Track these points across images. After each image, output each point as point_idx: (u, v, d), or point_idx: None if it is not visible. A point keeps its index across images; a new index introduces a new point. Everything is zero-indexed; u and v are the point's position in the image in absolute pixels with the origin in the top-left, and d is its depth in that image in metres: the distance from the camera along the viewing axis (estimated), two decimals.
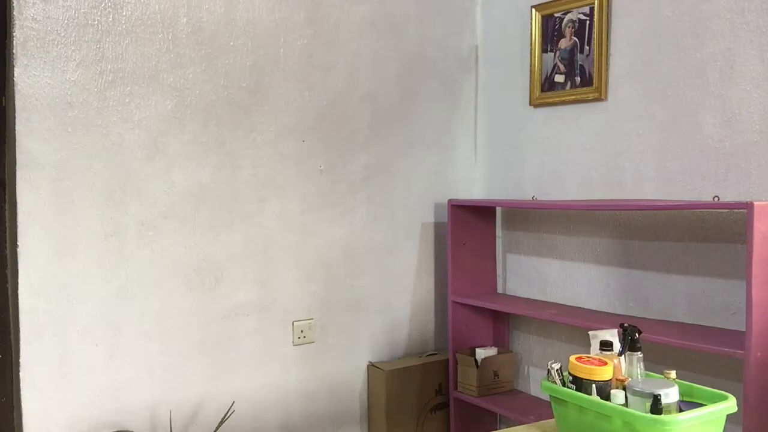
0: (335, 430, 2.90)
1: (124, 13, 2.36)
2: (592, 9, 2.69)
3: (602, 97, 2.68)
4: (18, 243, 2.21)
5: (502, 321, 3.14)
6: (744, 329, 2.04)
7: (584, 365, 1.64)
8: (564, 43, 2.82)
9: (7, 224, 2.23)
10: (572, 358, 1.68)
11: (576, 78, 2.78)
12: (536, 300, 2.97)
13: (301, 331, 2.78)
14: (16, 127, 2.19)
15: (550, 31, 2.88)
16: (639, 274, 2.58)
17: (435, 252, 3.17)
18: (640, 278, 2.57)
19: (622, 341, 1.71)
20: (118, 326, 2.39)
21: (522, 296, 3.06)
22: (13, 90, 2.19)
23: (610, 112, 2.67)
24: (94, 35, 2.31)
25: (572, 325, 2.61)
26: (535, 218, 3.01)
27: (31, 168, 2.22)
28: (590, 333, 1.78)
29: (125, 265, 2.40)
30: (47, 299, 2.26)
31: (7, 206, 2.23)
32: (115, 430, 2.39)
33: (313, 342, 2.82)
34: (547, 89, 2.91)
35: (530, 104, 2.99)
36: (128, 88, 2.38)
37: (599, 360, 1.67)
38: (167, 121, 2.46)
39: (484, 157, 3.25)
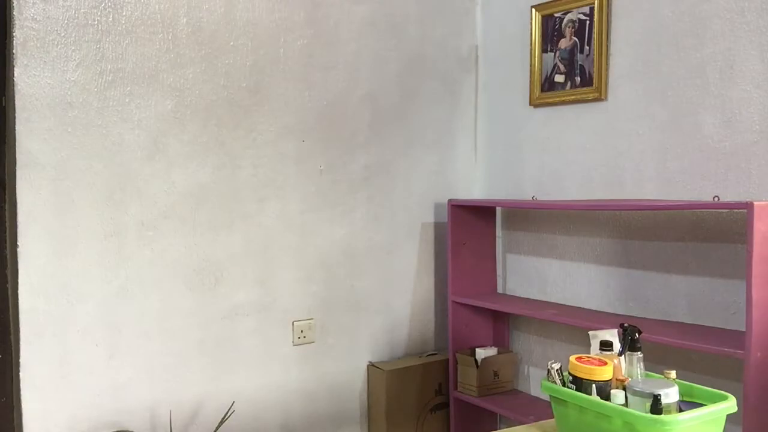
0: (335, 430, 2.90)
1: (124, 13, 2.36)
2: (592, 9, 2.69)
3: (602, 97, 2.68)
4: (18, 243, 2.21)
5: (502, 321, 3.14)
6: (744, 329, 2.04)
7: (584, 365, 1.64)
8: (564, 43, 2.82)
9: (7, 224, 2.23)
10: (572, 358, 1.68)
11: (576, 78, 2.78)
12: (536, 300, 2.97)
13: (301, 331, 2.78)
14: (16, 127, 2.19)
15: (550, 31, 2.88)
16: (639, 274, 2.58)
17: (435, 252, 3.17)
18: (640, 278, 2.57)
19: (622, 341, 1.71)
20: (118, 326, 2.39)
21: (522, 296, 3.06)
22: (13, 90, 2.19)
23: (610, 112, 2.67)
24: (94, 35, 2.31)
25: (572, 325, 2.61)
26: (535, 218, 3.01)
27: (31, 168, 2.22)
28: (590, 333, 1.78)
29: (125, 265, 2.40)
30: (47, 299, 2.26)
31: (7, 206, 2.23)
32: (115, 430, 2.39)
33: (313, 342, 2.82)
34: (547, 89, 2.91)
35: (530, 104, 2.99)
36: (128, 88, 2.38)
37: (599, 360, 1.67)
38: (167, 121, 2.46)
39: (484, 157, 3.25)
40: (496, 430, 3.14)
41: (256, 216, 2.66)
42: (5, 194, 2.24)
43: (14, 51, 2.18)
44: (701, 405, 1.59)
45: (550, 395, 1.73)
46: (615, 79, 2.64)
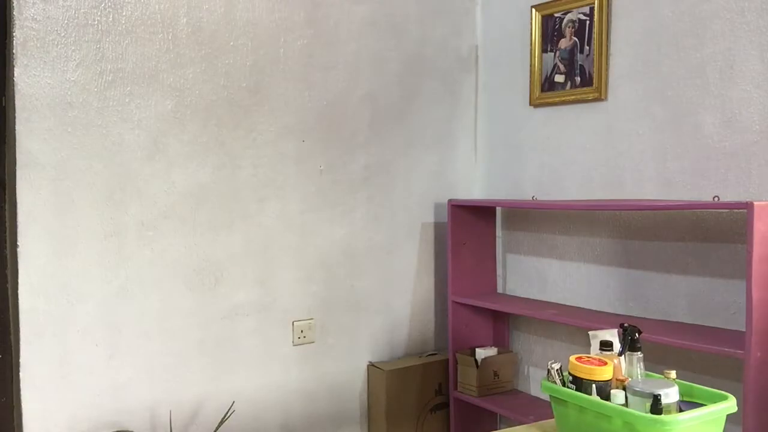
0: (335, 430, 2.90)
1: (124, 13, 2.36)
2: (592, 9, 2.69)
3: (602, 97, 2.68)
4: (18, 243, 2.21)
5: (502, 321, 3.14)
6: (744, 329, 2.05)
7: (584, 365, 1.64)
8: (564, 43, 2.82)
9: (7, 224, 2.23)
10: (572, 358, 1.68)
11: (576, 78, 2.78)
12: (536, 300, 2.97)
13: (301, 331, 2.78)
14: (16, 127, 2.19)
15: (550, 31, 2.88)
16: (639, 274, 2.58)
17: (435, 252, 3.17)
18: (640, 278, 2.57)
19: (622, 341, 1.71)
20: (118, 326, 2.39)
21: (522, 296, 3.06)
22: (13, 90, 2.19)
23: (610, 112, 2.67)
24: (94, 35, 2.31)
25: (572, 325, 2.61)
26: (535, 218, 3.01)
27: (31, 168, 2.22)
28: (590, 333, 1.78)
29: (125, 265, 2.40)
30: (47, 299, 2.26)
31: (7, 206, 2.23)
32: (115, 430, 2.39)
33: (313, 342, 2.82)
34: (547, 89, 2.91)
35: (530, 104, 2.99)
36: (128, 88, 2.38)
37: (599, 360, 1.67)
38: (167, 121, 2.46)
39: (484, 157, 3.25)
40: (496, 430, 3.14)
41: (256, 216, 2.66)
42: (5, 194, 2.24)
43: (14, 51, 2.18)
44: (701, 405, 1.59)
45: (550, 395, 1.73)
46: (615, 79, 2.64)
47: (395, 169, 3.03)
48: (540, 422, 1.90)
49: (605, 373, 1.63)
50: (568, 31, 2.80)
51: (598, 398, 1.60)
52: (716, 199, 2.29)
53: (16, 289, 2.21)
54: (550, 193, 2.92)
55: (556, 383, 1.71)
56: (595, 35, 2.68)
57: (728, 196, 2.29)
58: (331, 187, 2.85)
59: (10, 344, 2.25)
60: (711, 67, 2.33)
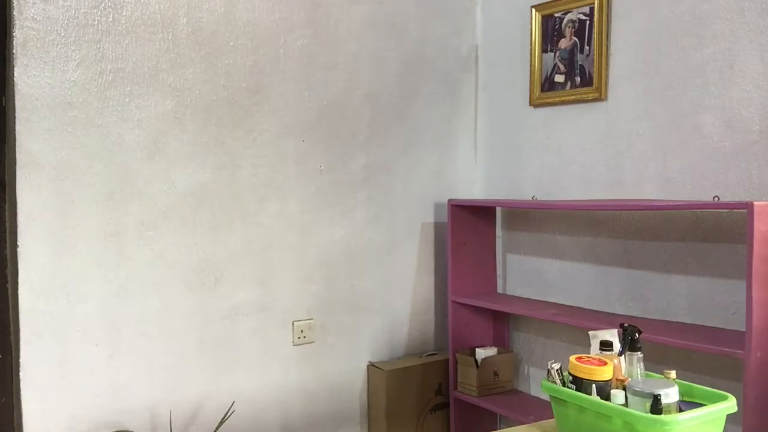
0: (335, 430, 2.90)
1: (124, 13, 2.36)
2: (592, 9, 2.69)
3: (602, 97, 2.68)
4: (18, 243, 2.21)
5: (502, 321, 3.14)
6: (744, 329, 2.05)
7: (584, 365, 1.64)
8: (564, 43, 2.82)
9: (7, 224, 2.23)
10: (572, 358, 1.68)
11: (576, 78, 2.78)
12: (536, 300, 2.97)
13: (301, 331, 2.78)
14: (16, 127, 2.19)
15: (550, 31, 2.88)
16: (639, 274, 2.58)
17: (435, 252, 3.17)
18: (640, 278, 2.57)
19: (622, 341, 1.71)
20: (118, 326, 2.39)
21: (522, 296, 3.06)
22: (13, 90, 2.19)
23: (610, 112, 2.67)
24: (94, 35, 2.31)
25: (572, 325, 2.61)
26: (535, 218, 3.01)
27: (31, 168, 2.22)
28: (590, 333, 1.78)
29: (125, 265, 2.40)
30: (47, 299, 2.26)
31: (7, 206, 2.23)
32: (115, 430, 2.39)
33: (313, 342, 2.82)
34: (547, 89, 2.91)
35: (530, 104, 2.99)
36: (128, 88, 2.38)
37: (599, 360, 1.67)
38: (167, 121, 2.46)
39: (484, 157, 3.25)
40: (496, 430, 3.14)
41: (256, 216, 2.66)
42: (5, 194, 2.24)
43: (14, 51, 2.18)
44: (701, 405, 1.59)
45: (550, 395, 1.73)
46: (615, 79, 2.64)
47: (395, 169, 3.03)
48: (540, 422, 1.90)
49: (605, 373, 1.63)
50: (568, 31, 2.80)
51: (598, 398, 1.60)
52: (716, 199, 2.29)
53: (16, 289, 2.21)
54: (550, 193, 2.92)
55: (556, 383, 1.71)
56: (595, 35, 2.68)
57: (728, 196, 2.29)
58: (330, 187, 2.85)
59: (10, 344, 2.25)
60: (711, 67, 2.33)
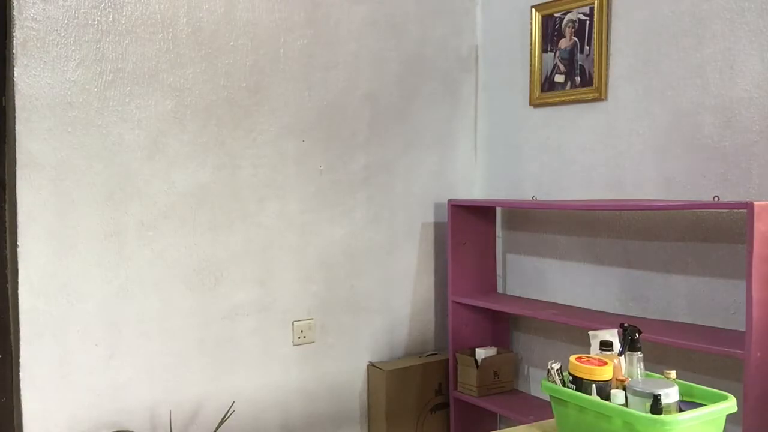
0: (335, 430, 2.90)
1: (124, 13, 2.36)
2: (592, 9, 2.69)
3: (602, 97, 2.68)
4: (18, 243, 2.21)
5: (502, 321, 3.14)
6: (744, 329, 2.05)
7: (584, 365, 1.64)
8: (564, 43, 2.82)
9: (7, 224, 2.23)
10: (572, 358, 1.68)
11: (576, 78, 2.78)
12: (536, 300, 2.97)
13: (301, 331, 2.78)
14: (16, 127, 2.19)
15: (550, 31, 2.88)
16: (639, 274, 2.58)
17: (435, 252, 3.17)
18: (640, 278, 2.57)
19: (622, 341, 1.71)
20: (118, 326, 2.39)
21: (522, 296, 3.06)
22: (13, 90, 2.19)
23: (610, 112, 2.67)
24: (94, 35, 2.31)
25: (572, 325, 2.61)
26: (535, 218, 3.01)
27: (31, 168, 2.22)
28: (590, 333, 1.78)
29: (125, 265, 2.40)
30: (47, 299, 2.26)
31: (7, 206, 2.23)
32: (115, 430, 2.39)
33: (313, 342, 2.82)
34: (547, 89, 2.91)
35: (530, 104, 2.99)
36: (128, 88, 2.38)
37: (599, 360, 1.67)
38: (167, 121, 2.46)
39: (484, 157, 3.25)
40: (496, 430, 3.14)
41: (256, 216, 2.66)
42: (5, 194, 2.24)
43: (14, 51, 2.18)
44: (701, 405, 1.59)
45: (550, 395, 1.73)
46: (615, 79, 2.64)
47: (395, 169, 3.03)
48: (540, 422, 1.90)
49: (605, 373, 1.63)
50: (568, 31, 2.80)
51: (598, 398, 1.60)
52: (716, 199, 2.29)
53: (16, 289, 2.21)
54: (550, 193, 2.92)
55: (556, 383, 1.71)
56: (595, 35, 2.68)
57: (728, 196, 2.29)
58: (330, 187, 2.85)
59: (10, 344, 2.25)
60: (711, 67, 2.33)
